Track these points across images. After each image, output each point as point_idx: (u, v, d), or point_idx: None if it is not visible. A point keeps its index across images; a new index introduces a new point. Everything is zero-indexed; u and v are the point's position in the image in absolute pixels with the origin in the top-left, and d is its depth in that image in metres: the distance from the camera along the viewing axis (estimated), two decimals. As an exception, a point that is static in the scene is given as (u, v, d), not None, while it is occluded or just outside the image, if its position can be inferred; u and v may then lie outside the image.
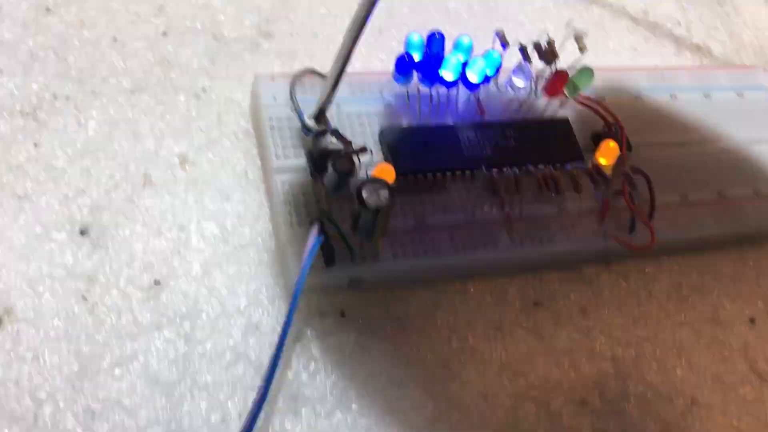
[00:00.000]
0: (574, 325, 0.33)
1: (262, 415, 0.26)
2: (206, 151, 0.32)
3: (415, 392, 0.29)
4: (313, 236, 0.27)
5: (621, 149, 0.34)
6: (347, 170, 0.28)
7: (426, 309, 0.31)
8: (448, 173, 0.32)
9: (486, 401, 0.30)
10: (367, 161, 0.30)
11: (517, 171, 0.32)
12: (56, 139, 0.31)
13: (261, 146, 0.32)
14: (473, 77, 0.32)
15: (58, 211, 0.29)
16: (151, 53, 0.34)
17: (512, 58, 0.34)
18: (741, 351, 0.35)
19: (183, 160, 0.32)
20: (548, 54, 0.33)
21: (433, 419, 0.29)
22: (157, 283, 0.29)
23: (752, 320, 0.36)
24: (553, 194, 0.31)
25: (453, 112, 0.34)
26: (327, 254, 0.28)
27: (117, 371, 0.27)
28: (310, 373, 0.29)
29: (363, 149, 0.29)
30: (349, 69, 0.28)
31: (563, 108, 0.35)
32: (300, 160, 0.31)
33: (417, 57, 0.32)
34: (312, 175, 0.31)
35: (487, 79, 0.33)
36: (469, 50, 0.33)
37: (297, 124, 0.32)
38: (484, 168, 0.31)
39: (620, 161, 0.33)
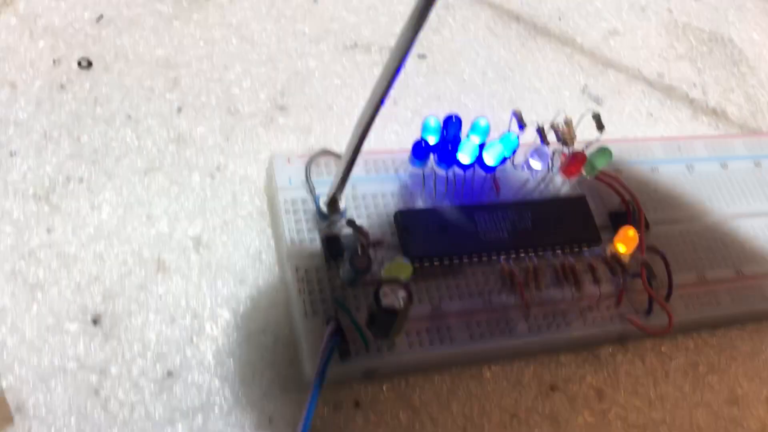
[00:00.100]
0: (591, 409, 0.33)
1: None
2: (220, 233, 0.32)
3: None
4: (328, 335, 0.27)
5: (639, 230, 0.33)
6: (364, 268, 0.28)
7: (441, 396, 0.31)
8: (465, 258, 0.32)
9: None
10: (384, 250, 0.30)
11: (534, 259, 0.31)
12: (69, 224, 0.30)
13: (275, 229, 0.32)
14: (490, 160, 0.32)
15: (71, 299, 0.29)
16: (166, 130, 0.34)
17: (530, 129, 0.33)
18: (759, 434, 0.34)
19: (197, 242, 0.31)
20: (566, 135, 0.33)
21: None
22: (170, 374, 0.28)
23: (770, 400, 0.35)
24: (572, 287, 0.31)
25: (469, 193, 0.33)
26: (342, 349, 0.28)
27: (129, 471, 0.27)
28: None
29: (379, 242, 0.28)
30: (364, 146, 0.28)
31: (580, 184, 0.35)
32: (315, 246, 0.31)
33: (433, 140, 0.32)
34: (327, 261, 0.30)
35: (503, 160, 0.33)
36: (486, 132, 0.32)
37: (312, 206, 0.31)
38: (501, 260, 0.31)
39: (638, 247, 0.32)
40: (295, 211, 0.31)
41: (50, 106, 0.33)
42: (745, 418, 0.34)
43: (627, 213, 0.35)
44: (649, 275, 0.33)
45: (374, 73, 0.38)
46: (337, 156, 0.33)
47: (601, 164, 0.34)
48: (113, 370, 0.28)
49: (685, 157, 0.39)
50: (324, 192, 0.31)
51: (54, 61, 0.34)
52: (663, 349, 0.35)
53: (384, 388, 0.30)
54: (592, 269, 0.31)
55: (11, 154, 0.31)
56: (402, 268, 0.27)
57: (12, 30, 0.34)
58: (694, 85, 0.45)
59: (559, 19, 0.44)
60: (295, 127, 0.36)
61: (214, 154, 0.34)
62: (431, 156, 0.32)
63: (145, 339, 0.29)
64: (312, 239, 0.31)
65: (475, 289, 0.32)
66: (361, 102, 0.34)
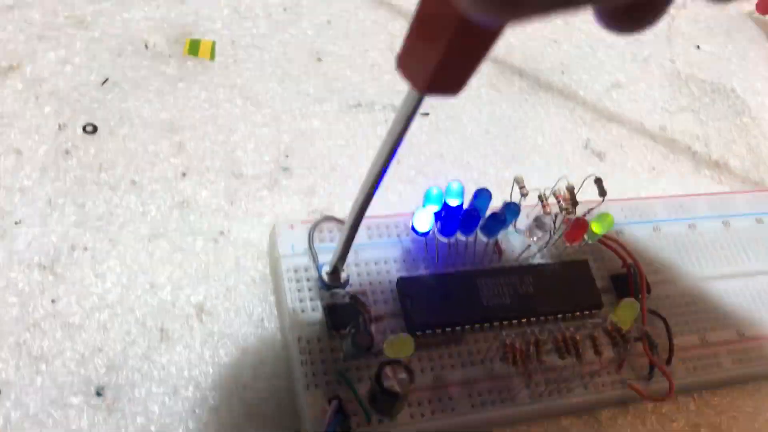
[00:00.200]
0: (592, 477, 0.33)
1: None
2: (223, 300, 0.32)
3: None
4: (331, 414, 0.27)
5: (640, 296, 0.33)
6: (366, 346, 0.28)
7: (442, 465, 0.31)
8: (467, 326, 0.32)
9: None
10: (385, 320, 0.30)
11: (536, 330, 0.31)
12: (73, 294, 0.31)
13: (278, 295, 0.32)
14: (492, 229, 0.32)
15: (75, 371, 0.29)
16: (170, 195, 0.34)
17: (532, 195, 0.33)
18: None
19: (200, 310, 0.32)
20: (567, 205, 0.33)
21: None
22: (172, 449, 0.29)
23: (772, 463, 0.35)
24: (573, 357, 0.31)
25: (471, 258, 0.34)
26: (344, 425, 0.28)
27: None
28: None
29: (380, 317, 0.29)
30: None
31: (582, 247, 0.35)
32: (317, 314, 0.31)
33: (435, 208, 0.32)
34: (329, 330, 0.30)
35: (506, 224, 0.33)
36: (488, 200, 0.32)
37: (315, 273, 0.32)
38: (503, 333, 0.31)
39: (640, 316, 0.33)
40: (297, 279, 0.32)
41: (55, 173, 0.33)
42: (746, 483, 0.34)
43: (628, 276, 0.35)
44: (651, 344, 0.33)
45: (377, 131, 0.38)
46: (340, 222, 0.33)
47: (602, 230, 0.34)
48: (116, 445, 0.28)
49: (687, 215, 0.39)
50: (327, 259, 0.31)
51: (59, 126, 0.34)
52: (664, 410, 0.35)
53: (386, 458, 0.30)
54: (593, 339, 0.31)
55: (16, 223, 0.31)
56: (404, 344, 0.27)
57: (18, 95, 0.34)
58: (697, 137, 0.46)
59: (562, 73, 0.44)
60: (298, 189, 0.36)
61: (217, 219, 0.34)
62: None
63: (148, 412, 0.29)
64: (314, 307, 0.31)
65: (477, 358, 0.32)
66: (364, 161, 0.35)
